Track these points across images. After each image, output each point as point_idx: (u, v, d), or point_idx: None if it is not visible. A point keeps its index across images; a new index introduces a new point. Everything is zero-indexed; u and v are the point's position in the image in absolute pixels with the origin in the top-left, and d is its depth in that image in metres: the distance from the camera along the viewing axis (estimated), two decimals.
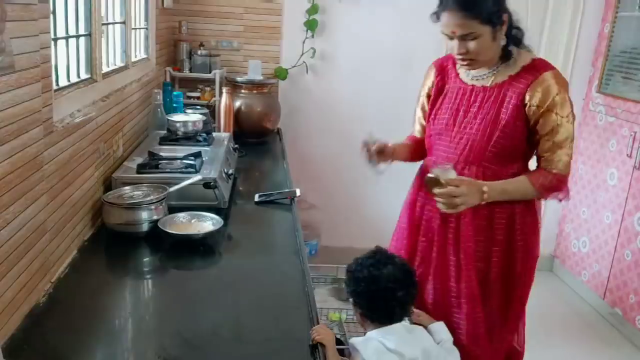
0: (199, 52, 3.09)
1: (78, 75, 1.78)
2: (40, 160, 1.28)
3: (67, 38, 1.70)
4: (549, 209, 3.74)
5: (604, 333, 3.10)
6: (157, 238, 1.67)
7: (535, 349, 2.92)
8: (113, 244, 1.67)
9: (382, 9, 3.29)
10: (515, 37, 1.68)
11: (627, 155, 3.07)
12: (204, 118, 2.52)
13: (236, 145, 2.63)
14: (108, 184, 1.86)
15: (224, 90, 2.80)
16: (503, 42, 1.63)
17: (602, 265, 3.25)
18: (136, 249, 1.64)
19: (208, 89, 3.12)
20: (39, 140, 1.27)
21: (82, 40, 1.81)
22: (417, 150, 1.91)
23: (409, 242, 1.85)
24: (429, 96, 1.85)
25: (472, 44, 1.58)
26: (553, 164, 1.68)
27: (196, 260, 1.62)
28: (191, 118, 2.46)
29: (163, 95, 2.64)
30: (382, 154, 1.77)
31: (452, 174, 1.59)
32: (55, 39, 1.54)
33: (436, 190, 1.56)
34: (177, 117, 2.45)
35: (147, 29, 2.70)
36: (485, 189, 1.60)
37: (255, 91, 3.00)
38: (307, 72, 3.32)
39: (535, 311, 3.30)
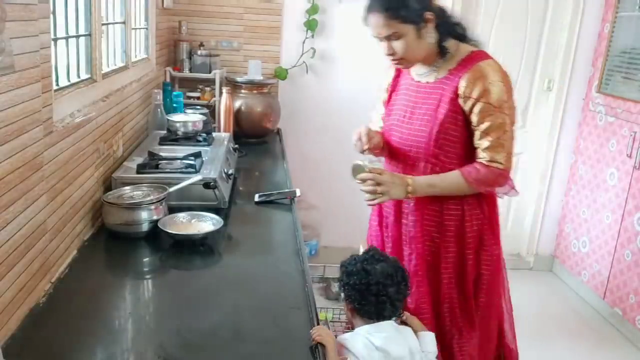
0: (199, 52, 3.09)
1: (78, 75, 1.78)
2: (40, 160, 1.28)
3: (67, 38, 1.70)
4: (549, 209, 3.75)
5: (604, 333, 3.10)
6: (157, 238, 1.67)
7: (535, 348, 2.92)
8: (113, 244, 1.67)
9: None
10: (453, 33, 1.68)
11: (627, 155, 3.07)
12: (204, 118, 2.52)
13: (236, 145, 2.63)
14: (108, 184, 1.86)
15: (224, 90, 2.80)
16: (431, 39, 1.64)
17: (602, 265, 3.25)
18: (136, 249, 1.64)
19: (208, 89, 3.12)
20: (39, 140, 1.27)
21: (82, 40, 1.81)
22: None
23: (380, 237, 1.89)
24: (389, 92, 1.87)
25: (397, 44, 1.61)
26: (488, 156, 1.62)
27: (196, 260, 1.62)
28: (191, 118, 2.46)
29: (163, 95, 2.64)
30: (372, 140, 1.76)
31: (378, 165, 1.63)
32: (55, 39, 1.54)
33: (359, 176, 1.59)
34: (177, 117, 2.45)
35: (147, 29, 2.70)
36: (409, 181, 1.63)
37: (255, 91, 3.00)
38: (307, 72, 3.32)
39: (535, 311, 3.31)
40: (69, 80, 1.69)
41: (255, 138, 2.97)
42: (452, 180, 1.65)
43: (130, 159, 2.06)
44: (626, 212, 3.07)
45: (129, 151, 2.18)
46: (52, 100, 1.36)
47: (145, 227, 1.68)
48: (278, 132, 3.18)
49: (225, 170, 2.08)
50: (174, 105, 2.77)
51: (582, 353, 2.91)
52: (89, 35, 1.83)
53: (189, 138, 2.40)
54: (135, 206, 1.67)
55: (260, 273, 1.58)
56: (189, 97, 3.08)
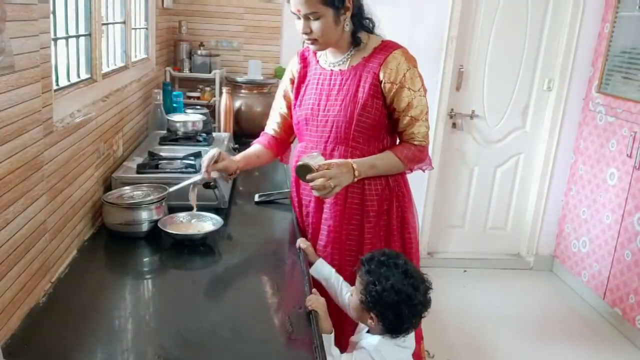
0: (199, 52, 3.09)
1: (78, 75, 1.78)
2: (40, 160, 1.28)
3: (67, 38, 1.70)
4: (549, 209, 3.75)
5: (604, 333, 3.10)
6: (157, 238, 1.67)
7: (535, 349, 2.92)
8: (113, 244, 1.67)
9: (382, 8, 3.28)
10: (365, 26, 1.78)
11: (627, 155, 3.07)
12: (204, 118, 2.52)
13: (236, 145, 2.63)
14: (108, 184, 1.86)
15: (224, 90, 2.80)
16: (347, 27, 1.72)
17: (602, 265, 3.25)
18: (136, 249, 1.64)
19: (208, 89, 3.12)
20: (39, 140, 1.27)
21: (82, 40, 1.81)
22: (272, 151, 1.96)
23: (301, 225, 1.90)
24: (293, 84, 1.89)
25: (315, 25, 1.67)
26: (413, 136, 1.76)
27: (196, 260, 1.62)
28: (191, 118, 2.46)
29: (163, 95, 2.64)
30: (218, 164, 1.76)
31: (321, 159, 1.63)
32: (55, 39, 1.54)
33: (309, 177, 1.59)
34: (177, 117, 2.45)
35: (147, 29, 2.70)
36: (355, 166, 1.67)
37: (255, 91, 3.00)
38: None
39: (535, 311, 3.32)
40: (69, 80, 1.69)
41: (255, 138, 2.95)
42: (386, 159, 1.75)
43: (130, 159, 2.06)
44: (626, 212, 3.07)
45: (129, 151, 2.18)
46: (52, 100, 1.36)
47: (145, 227, 1.68)
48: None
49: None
50: (174, 105, 2.77)
51: (582, 353, 2.91)
52: (89, 35, 1.83)
53: (189, 138, 2.40)
54: (135, 206, 1.67)
55: (260, 273, 1.58)
56: (189, 97, 3.08)
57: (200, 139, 2.40)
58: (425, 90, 1.76)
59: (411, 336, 1.46)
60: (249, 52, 3.27)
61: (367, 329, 1.48)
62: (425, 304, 1.42)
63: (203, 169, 1.73)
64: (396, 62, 1.71)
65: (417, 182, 3.54)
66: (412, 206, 1.88)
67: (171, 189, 1.78)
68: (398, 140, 1.83)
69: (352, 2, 1.69)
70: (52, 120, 1.36)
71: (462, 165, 3.69)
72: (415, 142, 1.76)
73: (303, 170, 1.60)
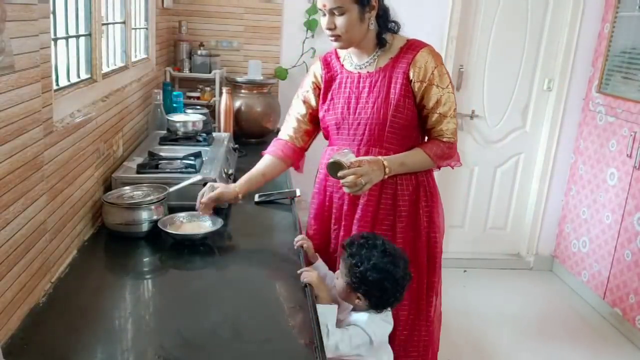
0: (199, 52, 3.09)
1: (78, 75, 1.78)
2: (40, 160, 1.28)
3: (67, 38, 1.70)
4: (549, 209, 3.75)
5: (604, 333, 3.10)
6: (157, 238, 1.67)
7: (535, 349, 2.92)
8: (113, 244, 1.67)
9: None
10: (390, 28, 1.78)
11: (627, 155, 3.07)
12: (204, 118, 2.52)
13: (236, 145, 2.63)
14: (108, 184, 1.86)
15: (224, 90, 2.80)
16: (372, 26, 1.72)
17: (602, 265, 3.25)
18: (136, 249, 1.63)
19: (208, 89, 3.12)
20: (39, 140, 1.27)
21: (82, 40, 1.81)
22: (285, 160, 1.90)
23: (320, 228, 1.89)
24: (316, 89, 1.88)
25: (339, 20, 1.66)
26: (442, 132, 1.76)
27: (196, 260, 1.62)
28: (191, 118, 2.46)
29: (163, 95, 2.64)
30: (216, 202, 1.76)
31: (352, 157, 1.64)
32: (55, 39, 1.54)
33: (340, 174, 1.59)
34: (177, 117, 2.45)
35: (147, 29, 2.70)
36: (386, 163, 1.67)
37: (255, 91, 3.00)
38: (307, 72, 3.31)
39: (535, 311, 3.31)
40: (69, 80, 1.69)
41: (255, 138, 2.97)
42: (416, 156, 1.76)
43: (130, 159, 2.06)
44: (626, 212, 3.07)
45: (129, 151, 2.18)
46: (52, 100, 1.36)
47: (145, 227, 1.68)
48: (278, 132, 3.18)
49: (225, 170, 2.08)
50: (174, 105, 2.77)
51: (582, 353, 2.91)
52: (89, 35, 1.83)
53: (189, 138, 2.40)
54: (135, 206, 1.67)
55: (260, 273, 1.58)
56: (189, 97, 3.08)
57: (200, 139, 2.40)
58: (452, 87, 1.76)
59: (390, 314, 1.58)
60: (249, 52, 3.27)
61: (351, 307, 1.56)
62: (406, 277, 1.53)
63: (197, 205, 1.73)
64: (424, 60, 1.71)
65: None
66: (439, 207, 1.89)
67: (171, 189, 1.78)
68: (427, 138, 1.83)
69: (378, 2, 1.70)
70: (52, 120, 1.36)
71: (462, 165, 3.69)
72: (444, 139, 1.76)
73: (334, 168, 1.61)
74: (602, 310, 3.26)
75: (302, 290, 1.44)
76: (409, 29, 3.49)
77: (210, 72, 3.07)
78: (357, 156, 1.69)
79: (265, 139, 3.01)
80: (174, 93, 2.83)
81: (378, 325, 1.53)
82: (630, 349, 2.95)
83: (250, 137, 2.96)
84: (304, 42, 3.27)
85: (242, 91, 2.99)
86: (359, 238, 1.56)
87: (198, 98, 3.11)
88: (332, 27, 1.67)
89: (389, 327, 1.58)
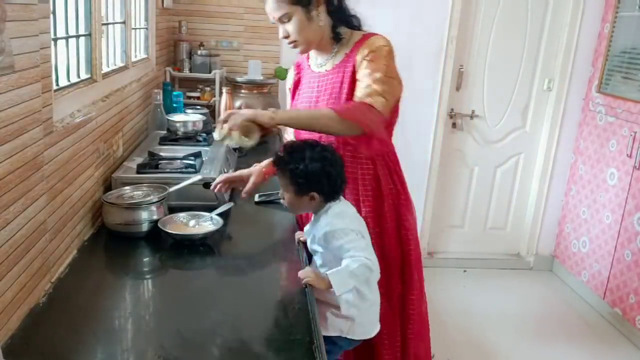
0: (199, 52, 3.09)
1: (78, 75, 1.78)
2: (40, 160, 1.28)
3: (67, 38, 1.70)
4: (549, 209, 3.75)
5: (604, 333, 3.10)
6: (157, 238, 1.67)
7: (535, 349, 2.92)
8: (113, 244, 1.67)
9: (382, 9, 3.29)
10: (348, 22, 1.79)
11: (627, 155, 3.07)
12: (204, 118, 2.52)
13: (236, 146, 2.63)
14: (108, 184, 1.86)
15: (224, 90, 2.80)
16: (322, 22, 1.73)
17: (602, 265, 3.25)
18: (136, 249, 1.64)
19: (208, 89, 3.12)
20: (39, 140, 1.27)
21: (82, 40, 1.81)
22: None
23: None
24: (291, 92, 1.94)
25: (289, 26, 1.71)
26: (357, 95, 1.68)
27: (196, 260, 1.62)
28: (191, 118, 2.46)
29: (163, 95, 2.64)
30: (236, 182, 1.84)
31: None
32: (55, 39, 1.54)
33: (223, 131, 1.60)
34: (177, 117, 2.46)
35: (147, 29, 2.70)
36: (271, 109, 1.65)
37: (255, 91, 3.00)
38: None
39: (535, 311, 3.31)
40: (69, 80, 1.69)
41: None
42: (316, 112, 1.71)
43: (130, 159, 2.06)
44: (626, 212, 3.07)
45: (129, 151, 2.18)
46: (52, 100, 1.36)
47: (145, 227, 1.68)
48: (278, 132, 3.18)
49: (225, 170, 2.08)
50: (174, 105, 2.77)
51: (582, 353, 2.91)
52: (89, 35, 1.83)
53: (189, 138, 2.40)
54: (135, 206, 1.67)
55: (260, 273, 1.58)
56: (189, 97, 3.08)
57: (200, 139, 2.40)
58: (390, 66, 1.70)
59: (345, 201, 1.60)
60: (249, 52, 3.27)
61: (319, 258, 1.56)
62: (339, 159, 1.55)
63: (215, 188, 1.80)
64: (368, 42, 1.72)
65: (417, 182, 3.56)
66: (409, 200, 1.88)
67: (171, 189, 1.78)
68: None
69: None
70: (52, 120, 1.36)
71: (462, 165, 3.69)
72: (357, 99, 1.67)
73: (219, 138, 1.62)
74: (602, 310, 3.26)
75: (302, 290, 1.44)
76: (409, 29, 3.51)
77: (210, 72, 3.07)
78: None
79: (265, 139, 3.01)
80: (174, 93, 2.83)
81: (343, 208, 1.55)
82: (630, 349, 2.95)
83: None
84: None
85: (242, 91, 2.99)
86: (283, 151, 1.55)
87: (198, 98, 3.11)
88: (286, 36, 1.73)
89: (352, 207, 1.60)
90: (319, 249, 1.54)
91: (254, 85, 2.99)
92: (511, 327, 3.09)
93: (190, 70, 3.10)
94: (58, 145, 1.40)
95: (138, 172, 1.91)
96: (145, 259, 1.64)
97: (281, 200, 1.60)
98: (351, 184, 1.76)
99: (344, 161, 1.57)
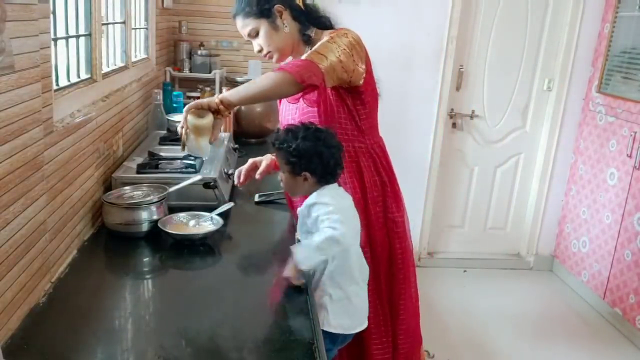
0: (199, 52, 3.09)
1: (78, 75, 1.78)
2: (40, 160, 1.28)
3: (67, 38, 1.70)
4: (549, 209, 3.75)
5: (604, 333, 3.10)
6: (157, 238, 1.67)
7: (535, 349, 2.92)
8: (113, 244, 1.67)
9: (382, 9, 3.29)
10: (315, 22, 1.81)
11: (627, 155, 3.07)
12: None
13: (236, 145, 2.63)
14: (108, 184, 1.86)
15: (224, 90, 2.80)
16: (287, 29, 1.76)
17: (602, 265, 3.25)
18: (136, 249, 1.63)
19: (208, 89, 3.12)
20: (39, 140, 1.27)
21: (82, 40, 1.81)
22: None
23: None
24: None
25: (259, 40, 1.77)
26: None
27: (196, 260, 1.62)
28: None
29: (163, 95, 2.64)
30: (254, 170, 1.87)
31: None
32: (55, 39, 1.54)
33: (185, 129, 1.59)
34: (177, 117, 2.45)
35: (147, 29, 2.70)
36: (217, 95, 1.62)
37: None
38: None
39: (535, 311, 3.31)
40: (69, 80, 1.69)
41: (255, 138, 2.97)
42: (257, 80, 1.67)
43: (130, 159, 2.06)
44: (626, 212, 3.07)
45: (129, 151, 2.18)
46: (52, 100, 1.36)
47: (145, 227, 1.68)
48: (278, 131, 3.18)
49: (225, 170, 2.08)
50: (174, 105, 2.77)
51: (582, 353, 2.91)
52: (89, 35, 1.83)
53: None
54: (135, 206, 1.67)
55: (260, 273, 1.58)
56: (189, 97, 3.08)
57: None
58: (342, 47, 1.67)
59: (345, 192, 1.61)
60: (249, 52, 3.27)
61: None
62: (335, 142, 1.55)
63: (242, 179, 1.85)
64: (332, 33, 1.73)
65: (417, 182, 3.56)
66: (397, 197, 1.88)
67: (171, 189, 1.78)
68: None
69: (283, 4, 1.75)
70: (52, 120, 1.36)
71: (462, 165, 3.69)
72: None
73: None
74: (602, 310, 3.26)
75: (302, 291, 1.44)
76: (409, 29, 3.51)
77: (210, 72, 3.07)
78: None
79: (265, 139, 3.02)
80: (174, 93, 2.83)
81: (332, 194, 1.54)
82: (630, 349, 2.95)
83: (250, 137, 2.95)
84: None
85: None
86: (279, 134, 1.59)
87: (198, 98, 3.10)
88: (260, 49, 1.78)
89: (348, 198, 1.60)
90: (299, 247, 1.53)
91: None
92: (511, 327, 3.09)
93: (190, 70, 3.10)
94: (58, 145, 1.40)
95: (138, 172, 1.91)
96: (145, 259, 1.63)
97: (281, 184, 1.62)
98: None
99: (342, 147, 1.57)
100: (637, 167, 2.99)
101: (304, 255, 1.43)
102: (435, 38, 3.39)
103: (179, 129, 1.59)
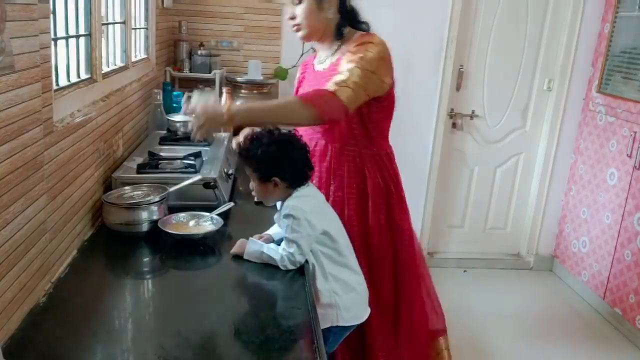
0: (199, 52, 3.09)
1: (78, 75, 1.78)
2: (40, 160, 1.28)
3: (67, 38, 1.70)
4: (549, 209, 3.75)
5: (604, 333, 3.10)
6: (157, 238, 1.66)
7: (535, 349, 2.92)
8: (113, 244, 1.66)
9: (382, 9, 3.28)
10: (355, 24, 1.82)
11: (627, 155, 3.07)
12: None
13: None
14: (108, 184, 1.86)
15: (224, 90, 2.79)
16: (331, 16, 1.76)
17: (602, 265, 3.25)
18: (136, 249, 1.63)
19: (208, 89, 3.11)
20: (39, 140, 1.27)
21: (82, 40, 1.81)
22: None
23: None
24: (295, 91, 1.99)
25: (298, 9, 1.74)
26: (330, 81, 1.69)
27: (196, 260, 1.62)
28: (191, 118, 2.45)
29: (163, 95, 2.64)
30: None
31: (204, 99, 1.68)
32: (55, 39, 1.54)
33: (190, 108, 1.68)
34: (177, 117, 2.45)
35: (147, 29, 2.70)
36: (225, 110, 1.65)
37: (255, 91, 3.00)
38: None
39: (535, 311, 3.32)
40: (69, 80, 1.69)
41: None
42: (275, 101, 1.78)
43: (130, 159, 2.06)
44: (626, 212, 3.07)
45: (129, 151, 2.18)
46: (52, 100, 1.36)
47: (145, 227, 1.68)
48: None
49: (225, 170, 2.08)
50: (174, 105, 2.77)
51: (582, 353, 2.91)
52: (89, 35, 1.83)
53: (189, 138, 2.39)
54: (135, 206, 1.67)
55: (260, 273, 1.58)
56: (189, 97, 3.07)
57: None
58: (369, 67, 1.67)
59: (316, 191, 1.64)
60: (249, 52, 3.27)
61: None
62: (299, 143, 1.56)
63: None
64: (360, 38, 1.74)
65: (417, 182, 3.56)
66: (402, 204, 1.88)
67: (171, 189, 1.78)
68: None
69: None
70: (52, 120, 1.36)
71: (462, 165, 3.69)
72: (327, 84, 1.68)
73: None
74: (602, 310, 3.26)
75: (302, 291, 1.44)
76: (409, 29, 3.51)
77: (210, 72, 3.07)
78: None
79: None
80: (174, 93, 2.83)
81: (301, 201, 1.54)
82: (630, 349, 2.95)
83: None
84: (303, 42, 3.26)
85: (242, 91, 2.99)
86: (246, 140, 1.58)
87: None
88: (293, 17, 1.75)
89: (311, 200, 1.60)
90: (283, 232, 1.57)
91: (254, 85, 2.99)
92: (511, 327, 3.09)
93: (190, 70, 3.10)
94: (58, 145, 1.40)
95: (138, 172, 1.91)
96: (145, 259, 1.63)
97: (252, 193, 1.63)
98: (337, 182, 1.78)
99: (308, 148, 1.59)
100: (637, 167, 2.99)
101: (252, 250, 1.54)
102: (435, 38, 3.39)
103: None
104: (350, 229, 1.77)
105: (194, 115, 1.61)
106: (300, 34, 1.79)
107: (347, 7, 1.79)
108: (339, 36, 1.79)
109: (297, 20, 1.76)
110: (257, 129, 1.58)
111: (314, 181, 1.76)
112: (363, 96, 1.69)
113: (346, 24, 1.79)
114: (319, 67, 1.84)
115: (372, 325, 1.75)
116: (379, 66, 1.71)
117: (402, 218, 1.88)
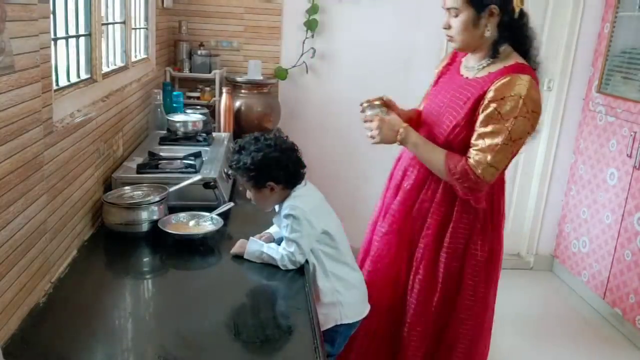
0: (199, 52, 3.09)
1: (78, 75, 1.78)
2: (40, 160, 1.28)
3: (67, 38, 1.70)
4: (549, 209, 3.75)
5: (604, 333, 3.10)
6: (157, 238, 1.67)
7: (535, 349, 2.92)
8: (113, 244, 1.67)
9: (382, 9, 3.29)
10: (515, 42, 1.71)
11: (627, 155, 3.07)
12: (204, 118, 2.52)
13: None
14: (108, 184, 1.86)
15: (224, 90, 2.80)
16: (488, 33, 1.68)
17: (602, 265, 3.25)
18: (136, 249, 1.64)
19: (208, 89, 3.12)
20: (39, 140, 1.27)
21: (82, 40, 1.81)
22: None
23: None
24: (437, 77, 1.95)
25: (454, 21, 1.69)
26: (471, 154, 1.65)
27: (196, 260, 1.62)
28: (191, 118, 2.46)
29: (163, 95, 2.64)
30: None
31: (376, 111, 1.76)
32: (55, 39, 1.54)
33: (367, 116, 1.79)
34: (177, 117, 2.45)
35: (147, 29, 2.70)
36: (401, 130, 1.72)
37: (255, 91, 3.00)
38: (307, 72, 3.31)
39: (535, 311, 3.31)
40: (69, 80, 1.69)
41: None
42: (433, 152, 1.73)
43: (130, 159, 2.06)
44: (626, 212, 3.07)
45: (129, 151, 2.18)
46: (52, 100, 1.36)
47: (145, 227, 1.68)
48: (278, 132, 3.18)
49: (225, 170, 2.08)
50: (174, 105, 2.77)
51: (582, 353, 2.91)
52: (89, 35, 1.83)
53: (189, 138, 2.40)
54: (135, 206, 1.67)
55: (260, 273, 1.58)
56: (189, 97, 3.08)
57: (200, 139, 2.40)
58: (517, 129, 1.59)
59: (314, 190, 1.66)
60: (248, 52, 3.27)
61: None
62: (287, 144, 1.61)
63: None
64: (506, 84, 1.60)
65: None
66: (486, 240, 1.93)
67: (171, 189, 1.78)
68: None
69: (502, 10, 1.65)
70: (52, 120, 1.36)
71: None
72: (470, 160, 1.64)
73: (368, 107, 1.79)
74: (602, 310, 3.26)
75: (302, 290, 1.44)
76: (409, 29, 3.50)
77: (210, 72, 3.07)
78: (382, 109, 1.77)
79: None
80: (174, 93, 2.83)
81: (300, 201, 1.56)
82: (630, 349, 2.95)
83: None
84: (304, 42, 3.27)
85: (242, 91, 2.99)
86: (233, 152, 1.60)
87: (198, 98, 3.10)
88: (446, 27, 1.72)
89: (314, 196, 1.64)
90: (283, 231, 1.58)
91: (254, 85, 2.99)
92: (511, 327, 3.09)
93: (190, 70, 3.10)
94: (58, 145, 1.40)
95: (138, 172, 1.91)
96: (145, 259, 1.64)
97: (252, 202, 1.64)
98: (426, 204, 1.81)
99: (296, 147, 1.62)
100: (637, 167, 2.99)
101: (253, 250, 1.55)
102: (435, 38, 3.39)
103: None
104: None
105: (370, 125, 1.72)
106: (453, 45, 1.76)
107: (509, 23, 1.68)
108: (494, 53, 1.69)
109: (451, 32, 1.70)
110: (242, 139, 1.61)
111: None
112: (507, 164, 1.71)
113: (504, 42, 1.69)
114: (463, 71, 1.78)
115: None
116: (529, 130, 1.63)
117: (481, 250, 1.96)
